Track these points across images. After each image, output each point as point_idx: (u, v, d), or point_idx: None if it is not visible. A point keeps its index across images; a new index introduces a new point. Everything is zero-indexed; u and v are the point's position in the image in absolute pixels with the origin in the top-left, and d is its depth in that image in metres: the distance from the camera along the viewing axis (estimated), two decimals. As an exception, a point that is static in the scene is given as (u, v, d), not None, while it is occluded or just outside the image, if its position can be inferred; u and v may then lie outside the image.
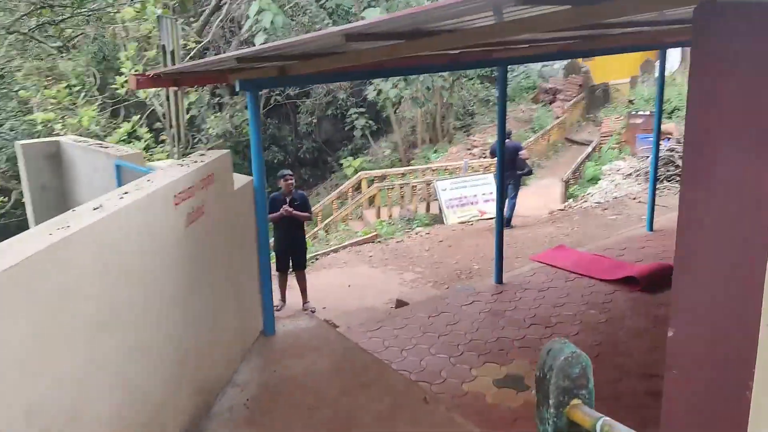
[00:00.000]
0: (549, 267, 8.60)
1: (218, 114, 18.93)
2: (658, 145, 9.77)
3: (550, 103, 21.85)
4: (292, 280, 8.86)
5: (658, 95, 9.55)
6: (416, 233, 12.67)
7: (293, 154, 26.30)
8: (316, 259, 11.21)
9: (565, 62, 23.92)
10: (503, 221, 8.18)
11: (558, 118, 20.75)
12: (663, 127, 16.66)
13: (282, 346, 6.06)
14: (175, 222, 4.39)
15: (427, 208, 14.67)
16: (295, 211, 8.46)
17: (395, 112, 21.63)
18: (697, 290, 3.30)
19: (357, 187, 15.94)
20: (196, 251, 4.72)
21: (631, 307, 7.24)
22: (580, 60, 24.33)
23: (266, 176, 6.54)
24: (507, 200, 12.53)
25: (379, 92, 17.15)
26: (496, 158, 13.62)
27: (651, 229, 9.77)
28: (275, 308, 8.46)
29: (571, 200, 14.33)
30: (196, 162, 5.04)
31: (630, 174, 14.55)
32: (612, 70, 26.03)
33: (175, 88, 9.05)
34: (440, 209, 14.14)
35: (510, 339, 6.57)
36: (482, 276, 9.67)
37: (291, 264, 8.74)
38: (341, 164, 21.37)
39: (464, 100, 22.08)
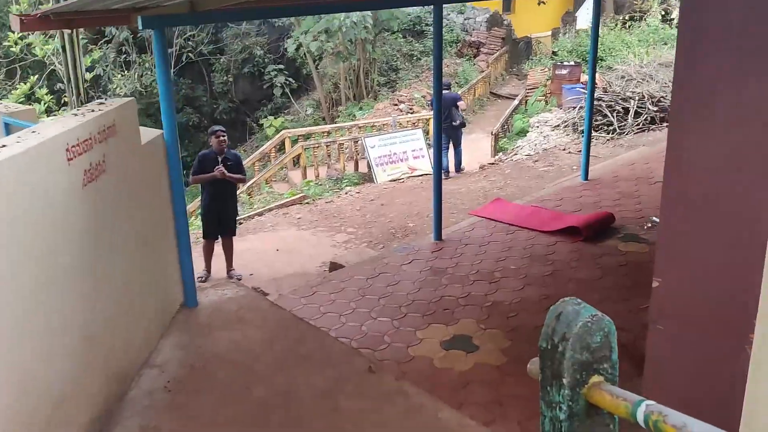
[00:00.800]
0: (488, 221, 8.25)
1: (125, 73, 17.58)
2: (593, 93, 9.49)
3: (474, 57, 21.51)
4: (217, 247, 8.19)
5: (592, 39, 9.24)
6: (346, 193, 12.12)
7: (209, 115, 25.00)
8: (240, 223, 10.50)
9: (488, 15, 23.59)
10: (440, 174, 7.72)
11: (482, 72, 20.46)
12: (585, 77, 16.61)
13: (206, 320, 5.43)
14: (69, 181, 3.68)
15: (356, 167, 14.12)
16: (228, 173, 7.75)
17: (317, 68, 20.78)
18: (687, 233, 2.92)
19: (280, 148, 15.17)
20: (97, 215, 4.02)
21: (576, 258, 6.97)
22: (501, 12, 24.07)
23: (179, 138, 5.81)
24: (450, 152, 12.35)
25: (299, 47, 16.31)
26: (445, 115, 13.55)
27: (586, 178, 9.56)
28: (198, 279, 7.80)
29: (501, 154, 14.09)
30: (93, 111, 4.29)
31: (558, 125, 14.41)
32: (533, 23, 25.96)
33: (69, 32, 8.05)
34: (369, 167, 13.62)
35: (454, 297, 6.17)
36: (418, 234, 9.25)
37: (219, 230, 8.08)
38: (261, 125, 20.43)
39: (388, 55, 21.43)
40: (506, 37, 22.35)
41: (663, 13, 18.77)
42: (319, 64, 22.53)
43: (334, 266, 7.48)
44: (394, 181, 13.35)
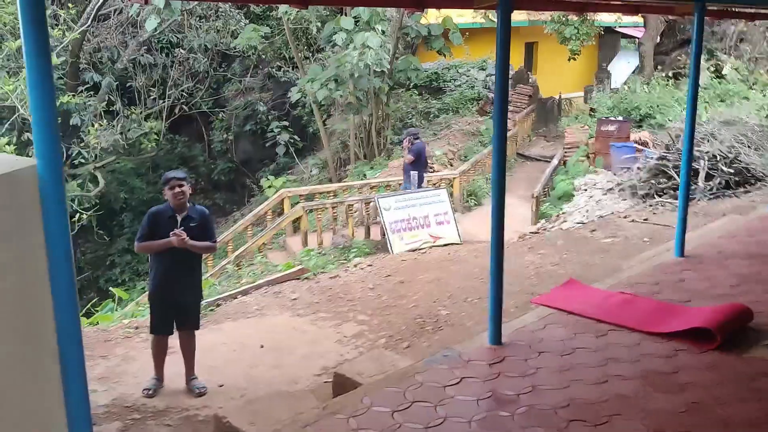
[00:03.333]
0: (562, 313, 5.75)
1: (104, 123, 15.46)
2: (690, 150, 7.10)
3: (499, 116, 19.40)
4: (174, 342, 5.71)
5: (691, 81, 6.90)
6: (355, 266, 9.66)
7: (206, 176, 22.94)
8: (218, 305, 8.02)
9: (512, 72, 21.68)
10: (501, 241, 5.29)
11: (509, 130, 18.28)
12: (635, 135, 14.40)
13: None
14: None
15: (367, 233, 11.71)
16: (191, 240, 5.35)
17: (324, 124, 18.70)
18: None
19: (279, 212, 12.84)
20: None
21: (717, 381, 4.43)
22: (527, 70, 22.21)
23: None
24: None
25: (303, 96, 14.24)
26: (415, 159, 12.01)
27: (682, 254, 7.10)
28: (145, 392, 5.29)
29: (543, 221, 11.67)
30: None
31: (611, 189, 12.05)
32: (559, 83, 24.07)
33: None
34: (384, 234, 11.21)
35: (541, 456, 3.62)
36: (455, 327, 6.75)
37: (176, 322, 5.62)
38: (261, 186, 18.18)
39: (402, 112, 19.39)
40: (533, 95, 20.33)
41: (712, 69, 16.73)
42: (327, 120, 20.53)
43: (341, 383, 4.94)
44: (414, 251, 10.91)
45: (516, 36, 25.20)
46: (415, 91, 20.63)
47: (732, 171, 11.10)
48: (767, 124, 13.22)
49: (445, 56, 16.67)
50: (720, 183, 11.08)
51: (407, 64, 16.15)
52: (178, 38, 19.14)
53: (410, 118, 19.53)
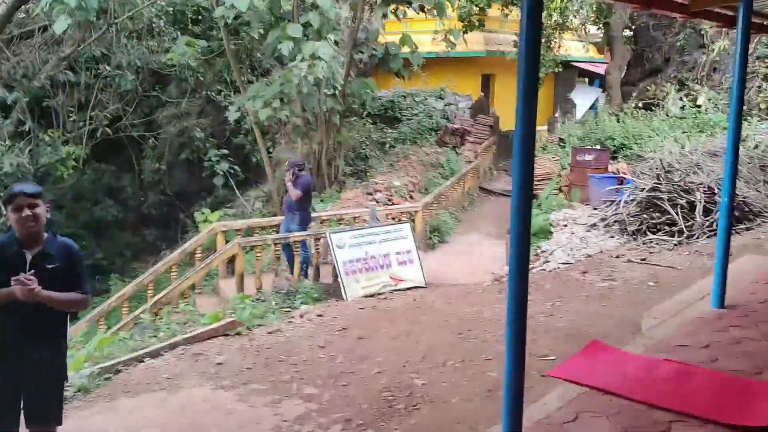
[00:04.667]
0: (595, 392, 4.07)
1: (9, 143, 13.28)
2: (733, 179, 5.63)
3: (458, 146, 17.99)
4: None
5: (734, 95, 5.46)
6: (301, 316, 7.81)
7: (135, 209, 20.68)
8: (117, 371, 6.04)
9: (470, 101, 20.42)
10: (524, 287, 3.57)
11: (470, 162, 16.87)
12: (612, 167, 13.10)
13: None
14: None
15: (316, 275, 9.87)
16: (45, 291, 3.46)
17: (269, 152, 16.89)
18: None
19: (213, 249, 10.90)
20: None
21: None
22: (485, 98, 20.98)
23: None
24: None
25: (242, 117, 12.45)
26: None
27: (722, 305, 5.55)
28: None
29: (521, 261, 10.05)
30: None
31: (595, 224, 10.58)
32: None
33: None
34: (336, 276, 9.40)
35: None
36: (435, 403, 5.00)
37: (24, 415, 3.68)
38: (195, 220, 16.14)
39: (355, 140, 17.74)
40: (494, 125, 19.02)
41: (685, 99, 15.74)
42: (273, 148, 18.72)
43: None
44: (372, 296, 9.14)
45: (473, 66, 24.09)
46: (369, 120, 19.07)
47: (733, 205, 9.75)
48: (756, 155, 12.07)
49: (403, 78, 15.18)
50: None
51: (361, 86, 14.56)
52: (104, 53, 17.14)
53: (364, 148, 17.88)
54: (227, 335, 6.83)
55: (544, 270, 9.06)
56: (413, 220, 11.73)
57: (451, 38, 15.53)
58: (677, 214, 9.68)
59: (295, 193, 9.89)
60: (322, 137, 15.37)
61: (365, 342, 6.62)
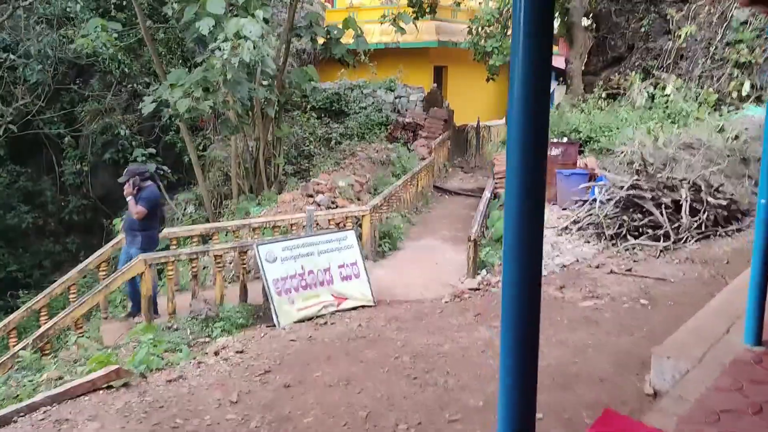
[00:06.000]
0: None
1: None
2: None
3: (409, 141, 16.57)
4: None
5: None
6: (216, 353, 6.23)
7: (55, 215, 18.67)
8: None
9: (422, 93, 19.02)
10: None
11: (423, 159, 15.45)
12: (580, 162, 11.86)
13: None
14: None
15: (243, 294, 8.27)
16: None
17: (202, 150, 15.17)
18: None
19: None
20: None
21: None
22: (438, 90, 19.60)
23: None
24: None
25: (158, 108, 10.74)
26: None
27: (759, 342, 4.20)
28: None
29: (484, 271, 8.67)
30: None
31: (566, 227, 9.26)
32: (471, 110, 21.68)
33: None
34: (266, 296, 7.82)
35: None
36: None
37: None
38: (114, 228, 14.30)
39: (297, 136, 16.15)
40: (448, 119, 17.65)
41: (651, 87, 14.63)
42: (207, 145, 16.99)
43: None
44: (310, 320, 7.61)
45: (423, 58, 22.72)
46: (313, 114, 17.49)
47: (723, 203, 8.56)
48: (736, 148, 10.96)
49: (348, 65, 13.62)
50: (708, 218, 8.51)
51: (302, 76, 12.97)
52: (9, 40, 15.14)
53: (307, 145, 16.31)
54: (111, 387, 5.19)
55: (513, 284, 7.66)
56: (360, 225, 10.22)
57: (401, 24, 14.05)
58: (662, 214, 8.42)
59: (137, 209, 7.86)
60: (260, 133, 13.74)
61: (292, 392, 5.08)
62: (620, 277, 7.25)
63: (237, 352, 6.17)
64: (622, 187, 8.77)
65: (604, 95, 15.44)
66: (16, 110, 15.38)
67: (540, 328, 5.04)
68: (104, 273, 8.77)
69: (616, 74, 16.06)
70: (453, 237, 11.74)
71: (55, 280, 16.65)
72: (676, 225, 8.39)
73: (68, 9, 15.94)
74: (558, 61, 27.60)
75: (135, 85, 17.95)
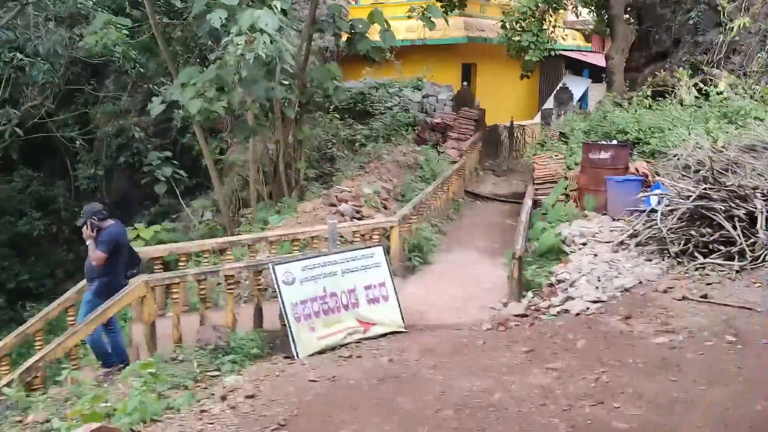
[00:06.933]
0: None
1: None
2: None
3: (439, 143, 15.58)
4: None
5: None
6: (224, 398, 5.30)
7: (69, 221, 17.92)
8: None
9: (451, 93, 18.02)
10: None
11: (454, 162, 14.46)
12: (639, 164, 10.80)
13: None
14: None
15: (258, 319, 7.37)
16: None
17: (220, 153, 14.37)
18: None
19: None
20: None
21: None
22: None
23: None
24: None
25: (171, 107, 9.89)
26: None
27: None
28: None
29: (530, 293, 7.65)
30: None
31: (622, 242, 8.21)
32: (502, 110, 20.63)
33: None
34: (284, 322, 6.89)
35: None
36: None
37: None
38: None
39: (320, 138, 15.25)
40: (479, 119, 16.63)
41: (702, 85, 13.48)
42: (225, 148, 16.17)
43: None
44: (334, 350, 6.68)
45: (452, 55, 21.72)
46: (336, 115, 16.57)
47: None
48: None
49: (374, 61, 12.67)
50: (789, 233, 7.41)
51: (324, 74, 12.05)
52: (20, 40, 14.43)
53: (330, 147, 15.41)
54: (92, 449, 4.29)
55: (567, 312, 6.64)
56: (388, 238, 9.27)
57: (431, 18, 13.06)
58: (734, 228, 7.34)
59: (97, 255, 6.82)
60: (279, 135, 12.85)
61: (312, 458, 4.14)
62: (695, 305, 6.20)
63: (247, 396, 5.24)
64: (688, 197, 7.69)
65: (648, 93, 14.29)
66: (25, 112, 14.65)
67: (607, 375, 3.93)
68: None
69: (662, 70, 14.90)
70: (489, 249, 10.74)
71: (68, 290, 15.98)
72: (752, 241, 7.30)
73: (79, 6, 15.18)
74: (592, 58, 26.48)
75: (151, 85, 17.17)
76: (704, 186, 7.66)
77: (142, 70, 16.70)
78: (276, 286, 6.85)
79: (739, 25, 13.84)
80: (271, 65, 9.08)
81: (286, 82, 10.92)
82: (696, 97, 13.63)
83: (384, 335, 7.11)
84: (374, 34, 12.69)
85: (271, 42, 8.11)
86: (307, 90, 12.66)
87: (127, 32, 12.53)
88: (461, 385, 5.16)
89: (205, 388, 5.95)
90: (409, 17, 14.03)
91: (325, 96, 13.61)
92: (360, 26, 11.93)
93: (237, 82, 9.07)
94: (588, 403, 4.50)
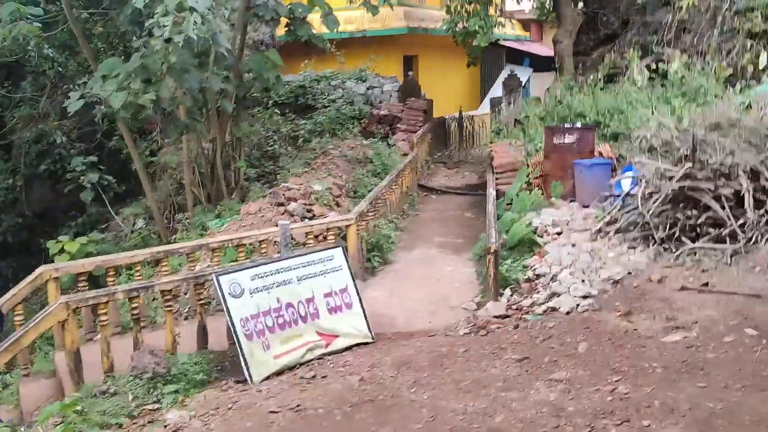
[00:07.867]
0: None
1: None
2: None
3: (388, 136, 14.79)
4: None
5: None
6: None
7: (-14, 237, 16.37)
8: None
9: (396, 84, 17.26)
10: None
11: (406, 155, 13.68)
12: (602, 148, 10.25)
13: None
14: None
15: (202, 339, 6.37)
16: None
17: (151, 155, 13.16)
18: None
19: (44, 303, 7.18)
20: None
21: None
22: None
23: None
24: None
25: (94, 103, 8.76)
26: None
27: None
28: None
29: (508, 290, 6.92)
30: None
31: (600, 230, 7.57)
32: (446, 102, 20.01)
33: None
34: (233, 340, 5.94)
35: None
36: None
37: None
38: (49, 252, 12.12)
39: (260, 136, 14.22)
40: (427, 110, 15.91)
41: (653, 65, 13.11)
42: (157, 150, 14.94)
43: None
44: (292, 370, 5.79)
45: (393, 47, 20.93)
46: (276, 110, 15.58)
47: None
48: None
49: (316, 47, 11.73)
50: (776, 212, 6.90)
51: (261, 62, 11.05)
52: None
53: (272, 144, 14.39)
54: None
55: (555, 311, 5.90)
56: (344, 238, 8.40)
57: (374, 2, 12.23)
58: (723, 209, 6.78)
59: None
60: (216, 132, 11.79)
61: None
62: (698, 296, 5.58)
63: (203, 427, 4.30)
64: (671, 178, 7.10)
65: (601, 75, 13.86)
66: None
67: (623, 383, 3.08)
68: (20, 317, 6.75)
69: (611, 52, 14.50)
70: (451, 244, 10.02)
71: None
72: (741, 222, 6.76)
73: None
74: (531, 47, 26.23)
75: (72, 86, 15.76)
76: (688, 165, 7.08)
77: (60, 69, 15.33)
78: (222, 300, 5.89)
79: (688, 4, 13.54)
80: (204, 51, 8.08)
81: (221, 72, 9.91)
82: (650, 78, 13.26)
83: (349, 348, 6.27)
84: (313, 24, 11.80)
85: (203, 23, 7.11)
86: (244, 83, 11.63)
87: (39, 25, 11.24)
88: (452, 406, 4.36)
89: (143, 426, 4.98)
90: (351, 3, 13.15)
91: (263, 89, 12.62)
92: (300, 10, 10.99)
93: (165, 71, 8.02)
94: (611, 422, 3.75)
